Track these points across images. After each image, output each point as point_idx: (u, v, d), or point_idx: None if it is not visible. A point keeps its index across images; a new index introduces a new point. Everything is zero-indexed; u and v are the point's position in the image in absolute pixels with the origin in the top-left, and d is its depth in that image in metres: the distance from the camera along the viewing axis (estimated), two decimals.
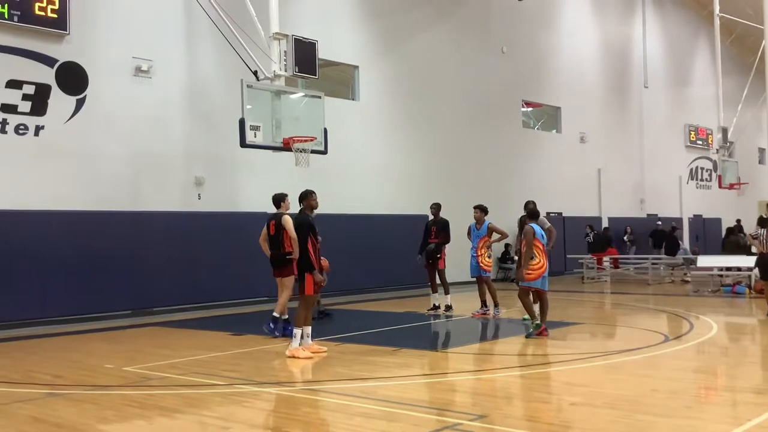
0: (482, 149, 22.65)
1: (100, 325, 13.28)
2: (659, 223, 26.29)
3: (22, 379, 8.52)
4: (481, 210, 13.70)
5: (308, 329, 9.67)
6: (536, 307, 11.12)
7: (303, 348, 9.45)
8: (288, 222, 10.79)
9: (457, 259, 16.83)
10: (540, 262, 10.74)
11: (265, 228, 11.18)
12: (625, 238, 25.62)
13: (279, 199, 11.22)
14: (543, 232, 11.06)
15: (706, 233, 32.75)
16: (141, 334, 12.35)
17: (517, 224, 13.17)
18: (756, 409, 6.53)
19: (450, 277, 14.47)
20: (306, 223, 9.56)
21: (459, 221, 15.51)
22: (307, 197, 9.84)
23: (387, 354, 9.72)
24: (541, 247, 10.78)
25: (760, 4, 23.16)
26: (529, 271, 10.75)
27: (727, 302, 16.08)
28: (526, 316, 11.87)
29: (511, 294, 17.04)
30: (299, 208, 9.92)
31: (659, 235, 25.27)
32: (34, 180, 13.54)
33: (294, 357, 9.31)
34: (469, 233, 13.80)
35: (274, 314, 10.96)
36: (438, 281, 14.34)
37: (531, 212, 11.33)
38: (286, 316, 11.07)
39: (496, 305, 13.57)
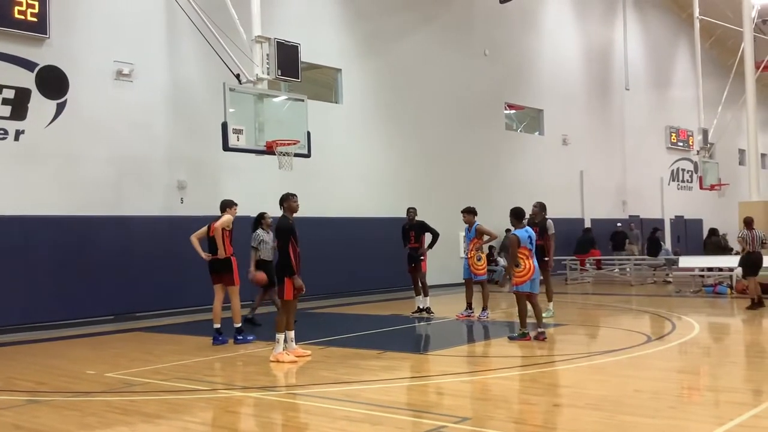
0: (466, 151, 22.70)
1: (83, 331, 13.16)
2: (619, 225, 26.12)
3: (4, 386, 8.44)
4: (469, 212, 13.69)
5: (291, 333, 9.65)
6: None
7: (287, 352, 9.43)
8: (223, 221, 10.77)
9: (440, 262, 16.87)
10: (524, 268, 10.67)
11: (205, 228, 11.13)
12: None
13: (224, 206, 11.17)
14: (532, 236, 10.91)
15: (687, 234, 33.02)
16: (124, 340, 12.27)
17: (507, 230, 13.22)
18: (738, 408, 6.57)
19: (434, 280, 14.50)
20: (286, 227, 9.45)
21: (443, 223, 15.56)
22: (287, 200, 9.74)
23: (371, 357, 9.71)
24: (527, 253, 10.70)
25: (739, 6, 23.40)
26: (516, 278, 10.74)
27: (709, 302, 16.21)
28: (546, 314, 12.03)
29: (496, 296, 17.11)
30: (280, 224, 9.76)
31: (620, 237, 25.26)
32: (15, 185, 13.41)
33: (278, 361, 9.28)
34: (465, 236, 13.87)
35: (236, 325, 10.92)
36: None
37: (516, 213, 11.06)
38: (218, 325, 11.03)
39: (484, 308, 13.56)
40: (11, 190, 13.33)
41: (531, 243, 10.77)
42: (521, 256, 10.65)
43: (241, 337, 10.87)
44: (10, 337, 12.50)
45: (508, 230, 23.21)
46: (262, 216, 12.97)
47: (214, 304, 11.09)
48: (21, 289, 13.07)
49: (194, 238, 11.19)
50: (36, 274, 13.23)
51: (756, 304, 14.09)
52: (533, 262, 10.71)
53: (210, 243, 11.01)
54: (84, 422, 6.66)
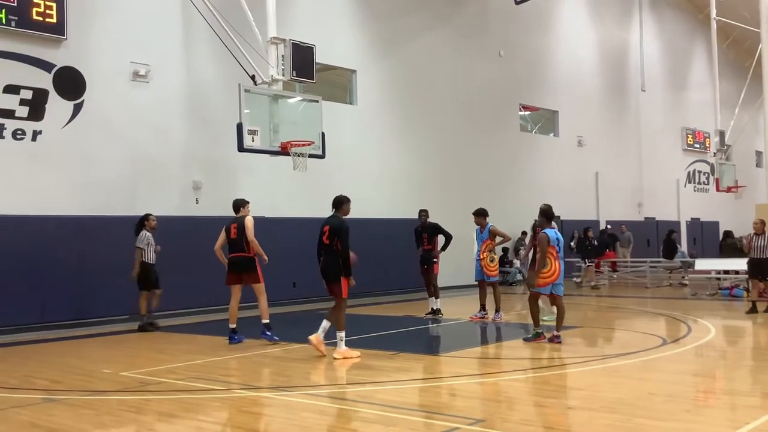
0: (480, 153, 22.66)
1: (98, 330, 13.26)
2: (609, 227, 25.53)
3: (20, 384, 8.51)
4: (480, 214, 13.68)
5: (323, 334, 9.76)
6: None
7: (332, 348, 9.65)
8: (249, 223, 10.83)
9: (454, 263, 16.85)
10: (551, 269, 10.58)
11: (222, 233, 11.12)
12: (572, 243, 24.87)
13: (239, 205, 11.27)
14: (560, 238, 10.82)
15: (703, 236, 32.80)
16: (139, 339, 12.34)
17: (531, 228, 13.07)
18: (754, 412, 6.53)
19: (447, 281, 14.48)
20: (347, 228, 9.79)
21: (457, 225, 15.53)
22: (346, 203, 10.07)
23: (385, 358, 9.71)
24: (555, 254, 10.60)
25: (757, 7, 23.22)
26: (540, 278, 10.68)
27: (725, 305, 16.09)
28: (547, 317, 11.87)
29: (510, 297, 17.06)
30: (332, 213, 10.01)
31: (609, 240, 24.63)
32: (32, 185, 13.53)
33: (345, 358, 9.43)
34: (476, 237, 13.82)
35: (264, 321, 10.94)
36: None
37: (545, 213, 10.97)
38: (234, 325, 11.11)
39: (497, 310, 13.55)
40: (28, 190, 13.45)
41: (559, 244, 10.67)
42: (549, 256, 10.57)
43: (269, 334, 10.89)
44: (26, 336, 12.61)
45: (524, 232, 23.19)
46: (146, 217, 13.08)
47: (231, 304, 11.13)
48: (37, 289, 13.18)
49: (219, 251, 11.21)
50: (52, 273, 13.33)
51: (753, 309, 14.01)
52: (560, 265, 10.63)
53: (233, 243, 11.01)
54: (99, 421, 6.71)
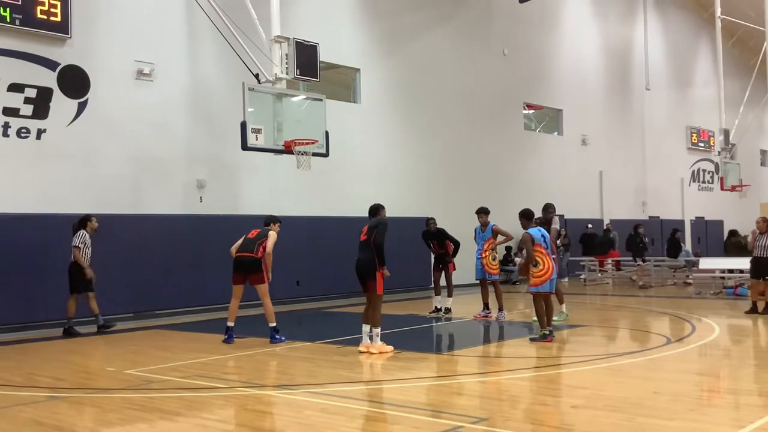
0: (484, 152, 22.65)
1: None
2: (590, 226, 25.03)
3: (24, 382, 8.53)
4: (483, 212, 13.69)
5: (367, 327, 9.92)
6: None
7: (364, 346, 9.81)
8: (274, 235, 10.96)
9: (459, 262, 16.81)
10: (544, 267, 10.63)
11: (242, 238, 11.09)
12: (557, 242, 24.30)
13: (272, 221, 11.35)
14: (546, 235, 10.92)
15: (708, 235, 32.74)
16: (142, 337, 12.36)
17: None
18: (758, 411, 6.52)
19: (453, 280, 14.47)
20: (387, 223, 10.14)
21: (460, 223, 15.52)
22: (379, 210, 10.47)
23: (388, 357, 9.71)
24: (543, 251, 10.69)
25: (762, 6, 23.18)
26: (535, 278, 10.70)
27: (730, 304, 16.05)
28: (555, 317, 11.83)
29: (513, 296, 17.06)
30: (373, 220, 10.28)
31: (589, 240, 24.30)
32: (36, 183, 13.56)
33: (381, 353, 9.62)
34: (475, 236, 13.79)
35: (271, 325, 10.93)
36: (443, 284, 14.34)
37: (524, 214, 11.16)
38: (232, 323, 11.06)
39: (500, 309, 13.54)
40: (33, 188, 13.49)
41: (545, 241, 10.76)
42: (538, 254, 10.61)
43: (278, 337, 10.89)
44: (30, 334, 12.65)
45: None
46: (89, 218, 12.80)
47: (232, 303, 11.12)
48: (40, 286, 13.20)
49: (233, 253, 11.19)
50: (55, 271, 13.32)
51: (753, 309, 13.87)
52: (551, 261, 10.67)
53: (247, 243, 10.99)
54: (103, 419, 6.73)
